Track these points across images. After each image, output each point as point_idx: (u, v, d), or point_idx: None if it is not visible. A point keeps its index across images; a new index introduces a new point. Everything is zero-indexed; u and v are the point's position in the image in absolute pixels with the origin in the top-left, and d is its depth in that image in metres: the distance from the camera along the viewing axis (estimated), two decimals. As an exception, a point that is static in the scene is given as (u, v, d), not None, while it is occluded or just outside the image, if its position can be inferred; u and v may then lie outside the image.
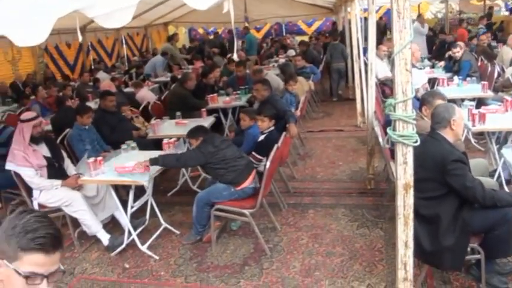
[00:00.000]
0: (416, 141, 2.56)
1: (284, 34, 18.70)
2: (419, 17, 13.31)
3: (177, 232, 4.93)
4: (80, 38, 3.95)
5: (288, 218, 5.05)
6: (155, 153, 4.84)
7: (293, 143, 6.96)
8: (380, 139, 4.72)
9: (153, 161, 4.35)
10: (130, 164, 4.38)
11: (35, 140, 4.79)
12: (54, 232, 1.42)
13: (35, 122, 4.79)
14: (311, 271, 3.99)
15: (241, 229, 4.89)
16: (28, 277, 1.36)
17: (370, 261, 4.04)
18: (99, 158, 4.52)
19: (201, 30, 16.39)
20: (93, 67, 13.91)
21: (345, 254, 4.21)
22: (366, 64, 7.75)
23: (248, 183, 4.45)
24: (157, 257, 4.48)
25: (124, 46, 16.87)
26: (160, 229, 4.93)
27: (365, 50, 7.93)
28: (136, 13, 11.11)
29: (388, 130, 2.65)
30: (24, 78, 11.31)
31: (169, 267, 4.31)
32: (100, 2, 2.87)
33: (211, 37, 16.59)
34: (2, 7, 2.96)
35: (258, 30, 21.06)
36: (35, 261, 1.38)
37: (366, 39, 6.58)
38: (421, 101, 4.21)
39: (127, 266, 4.41)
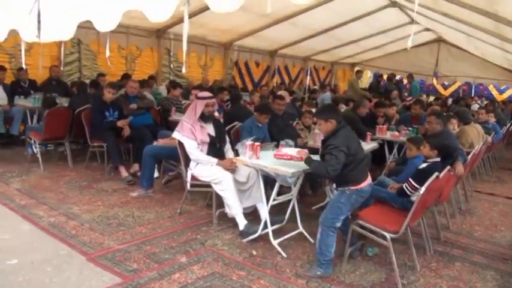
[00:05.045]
0: None
1: (473, 96, 17.61)
2: None
3: (312, 241, 4.79)
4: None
5: (430, 262, 4.62)
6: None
7: (456, 197, 6.48)
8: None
9: (307, 161, 4.23)
10: (290, 152, 4.41)
11: (204, 117, 5.16)
12: None
13: (208, 101, 5.16)
14: (444, 320, 3.58)
15: (376, 257, 4.60)
16: None
17: (512, 331, 3.51)
18: (257, 143, 4.65)
19: (385, 76, 16.29)
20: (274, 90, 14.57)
21: (485, 316, 3.71)
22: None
23: (366, 183, 4.14)
24: (285, 255, 4.42)
25: (308, 77, 17.44)
26: (295, 232, 4.88)
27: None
28: (326, 47, 11.58)
29: None
30: (210, 83, 12.26)
31: (294, 267, 4.21)
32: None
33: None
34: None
35: (445, 87, 20.12)
36: None
37: None
38: None
39: (254, 253, 4.43)
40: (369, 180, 4.18)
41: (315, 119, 4.37)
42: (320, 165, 4.17)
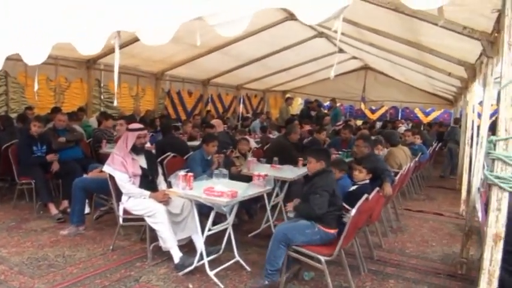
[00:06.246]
0: (514, 187, 2.31)
1: (399, 119, 18.49)
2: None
3: (248, 269, 4.82)
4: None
5: (365, 282, 4.75)
6: (243, 185, 4.89)
7: (387, 216, 6.70)
8: (479, 214, 4.34)
9: (296, 208, 4.51)
10: (220, 189, 4.44)
11: (136, 149, 5.09)
12: None
13: (140, 133, 5.12)
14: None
15: (313, 281, 4.66)
16: None
17: None
18: (190, 174, 4.62)
19: (315, 104, 16.85)
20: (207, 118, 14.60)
21: (421, 330, 3.84)
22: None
23: (334, 231, 4.28)
24: (222, 286, 4.38)
25: (241, 105, 17.63)
26: (232, 261, 4.86)
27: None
28: (258, 76, 11.76)
29: (484, 171, 2.43)
30: (142, 114, 12.14)
31: (232, 297, 4.19)
32: (222, 11, 3.01)
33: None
34: (134, 8, 3.25)
35: (373, 111, 21.01)
36: None
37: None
38: None
39: (191, 286, 4.36)
40: (336, 230, 4.27)
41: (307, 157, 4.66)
42: (306, 207, 4.37)
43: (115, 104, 4.91)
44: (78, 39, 3.47)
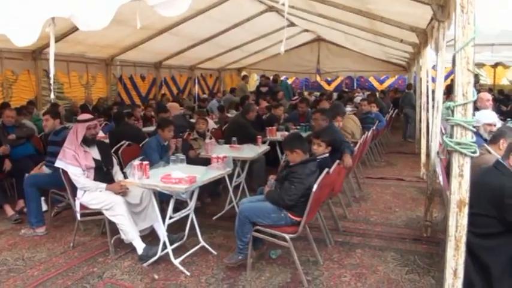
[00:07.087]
0: (475, 152, 2.28)
1: (355, 89, 18.69)
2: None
3: (215, 253, 4.74)
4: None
5: (332, 254, 4.74)
6: (201, 168, 4.77)
7: (350, 186, 6.74)
8: (440, 178, 4.38)
9: (266, 196, 4.37)
10: (177, 175, 4.29)
11: (87, 141, 4.89)
12: None
13: (90, 124, 4.90)
14: (350, 309, 3.66)
15: (280, 258, 4.62)
16: None
17: (417, 307, 3.67)
18: (145, 163, 4.44)
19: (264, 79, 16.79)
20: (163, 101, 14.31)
21: (390, 297, 3.85)
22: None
23: (302, 220, 4.15)
24: (188, 273, 4.28)
25: (196, 85, 17.35)
26: (197, 247, 4.77)
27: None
28: (211, 55, 11.53)
29: (443, 138, 2.39)
30: (94, 102, 11.77)
31: (199, 284, 4.09)
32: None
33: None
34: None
35: (328, 83, 21.19)
36: None
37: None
38: (499, 134, 3.86)
39: (156, 276, 4.24)
40: (303, 220, 4.12)
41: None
42: (277, 195, 4.25)
43: (52, 96, 4.65)
44: (11, 30, 3.23)
